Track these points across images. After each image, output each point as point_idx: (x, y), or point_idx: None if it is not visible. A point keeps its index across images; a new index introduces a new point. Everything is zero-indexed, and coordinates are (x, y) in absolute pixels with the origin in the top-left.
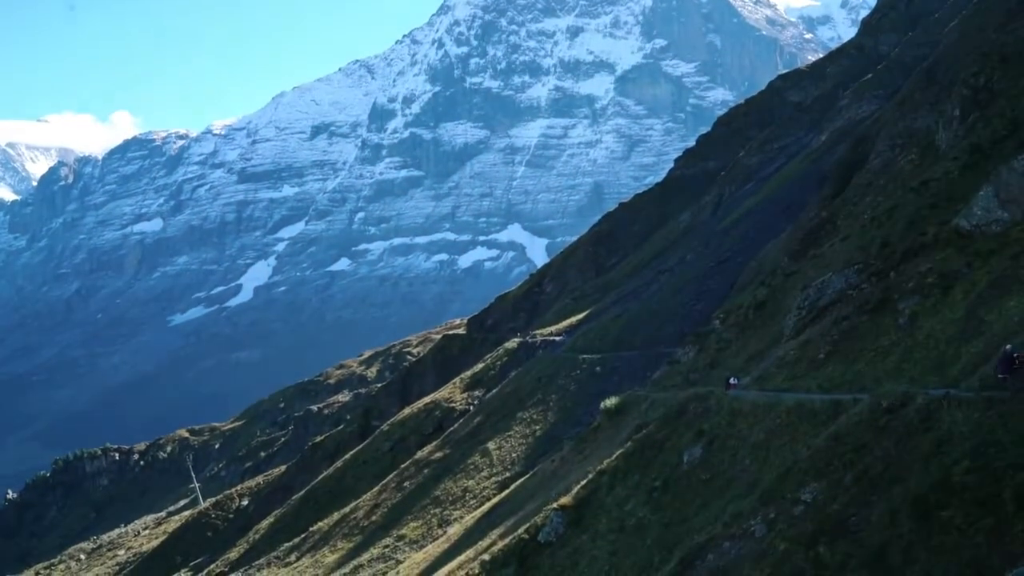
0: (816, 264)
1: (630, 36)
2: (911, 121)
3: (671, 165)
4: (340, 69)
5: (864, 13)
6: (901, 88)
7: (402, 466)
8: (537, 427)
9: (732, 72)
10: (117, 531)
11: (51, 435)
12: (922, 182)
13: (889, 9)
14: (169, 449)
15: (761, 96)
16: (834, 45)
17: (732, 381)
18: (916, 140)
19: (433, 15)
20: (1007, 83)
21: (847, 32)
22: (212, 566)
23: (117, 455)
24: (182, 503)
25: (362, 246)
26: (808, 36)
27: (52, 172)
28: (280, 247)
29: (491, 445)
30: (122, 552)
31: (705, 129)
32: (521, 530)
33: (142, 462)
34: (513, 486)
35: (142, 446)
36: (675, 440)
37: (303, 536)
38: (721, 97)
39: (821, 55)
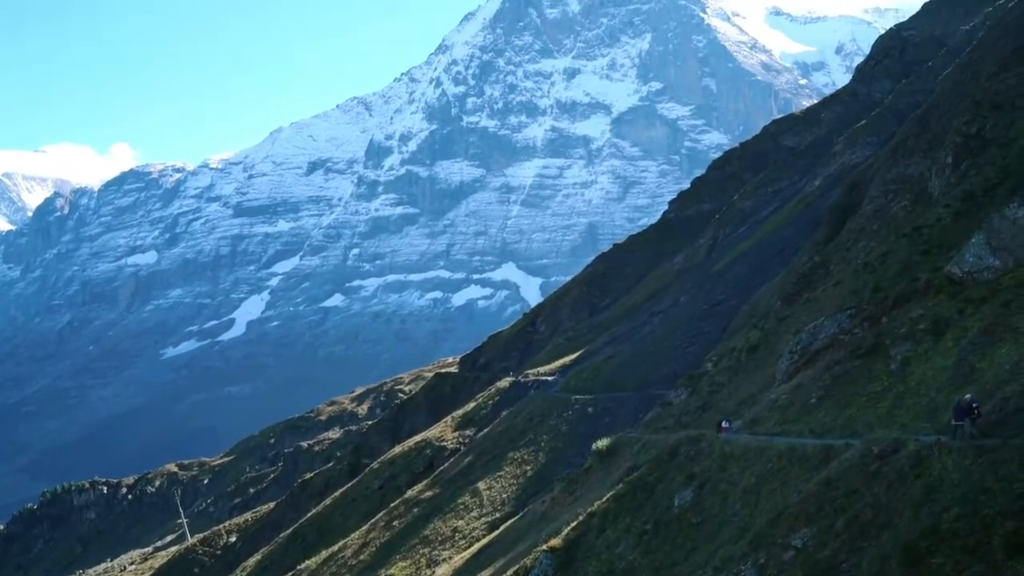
0: (809, 308)
1: (626, 79)
2: (904, 168)
3: (666, 207)
4: (338, 106)
5: (858, 60)
6: (895, 135)
7: (391, 505)
8: (528, 467)
9: (727, 116)
10: (103, 565)
11: (40, 466)
12: (915, 228)
13: (883, 57)
14: (158, 483)
15: (756, 140)
16: (828, 91)
17: (724, 424)
18: (909, 186)
19: (431, 54)
20: (999, 131)
21: (841, 78)
22: None
23: (105, 488)
24: (169, 538)
25: (356, 282)
26: (803, 82)
27: (48, 203)
28: (274, 282)
29: (481, 485)
30: None
31: (700, 172)
32: (510, 572)
33: (130, 496)
34: (503, 527)
35: (130, 480)
36: (666, 483)
37: (291, 574)
38: (716, 140)
39: (815, 101)
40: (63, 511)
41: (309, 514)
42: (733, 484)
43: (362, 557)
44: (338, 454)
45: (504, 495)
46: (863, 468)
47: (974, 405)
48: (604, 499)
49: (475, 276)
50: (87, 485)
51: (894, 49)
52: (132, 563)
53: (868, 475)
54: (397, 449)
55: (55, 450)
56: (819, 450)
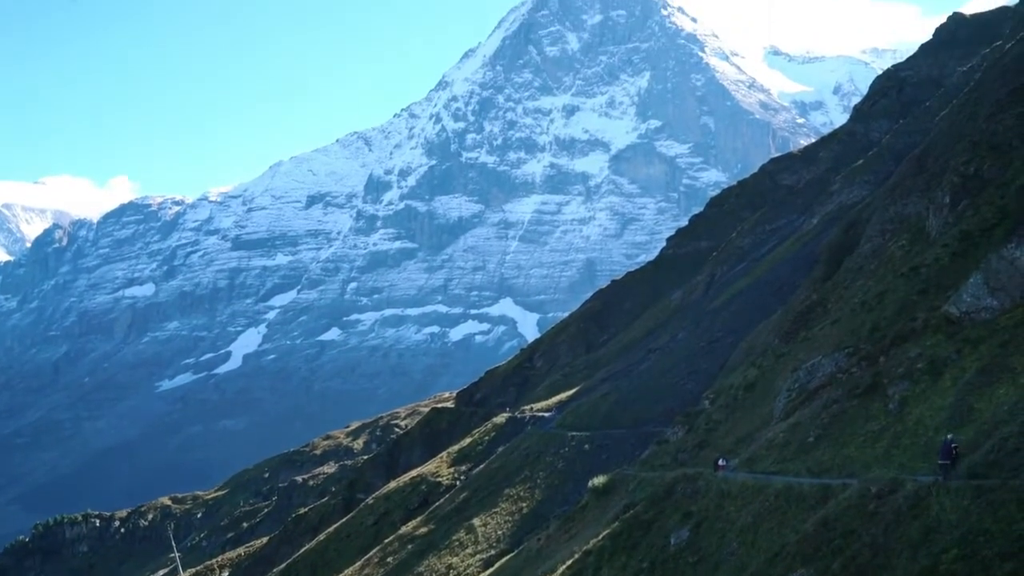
0: (806, 346)
1: (625, 116)
2: (902, 207)
3: (663, 244)
4: (338, 140)
5: (856, 100)
6: (892, 174)
7: (386, 540)
8: (524, 504)
9: (725, 154)
10: None
11: (33, 498)
12: (912, 268)
13: (881, 97)
14: (151, 517)
15: (754, 178)
16: (826, 130)
17: (721, 462)
18: (907, 226)
19: (432, 90)
20: (997, 172)
21: (839, 118)
22: None
23: (98, 521)
24: (162, 573)
25: (353, 316)
26: (800, 121)
27: (46, 234)
28: (271, 315)
29: (477, 521)
30: None
31: (698, 209)
32: None
33: (123, 529)
34: (498, 564)
35: (123, 513)
36: (663, 521)
37: None
38: (714, 178)
39: (813, 140)
40: (55, 544)
41: (303, 549)
42: (730, 523)
43: None
44: (333, 489)
45: (499, 532)
46: (861, 508)
47: (953, 447)
48: (600, 537)
49: (472, 311)
50: (79, 518)
51: (892, 89)
52: None
53: (866, 515)
54: (392, 484)
55: (48, 482)
56: (816, 489)
